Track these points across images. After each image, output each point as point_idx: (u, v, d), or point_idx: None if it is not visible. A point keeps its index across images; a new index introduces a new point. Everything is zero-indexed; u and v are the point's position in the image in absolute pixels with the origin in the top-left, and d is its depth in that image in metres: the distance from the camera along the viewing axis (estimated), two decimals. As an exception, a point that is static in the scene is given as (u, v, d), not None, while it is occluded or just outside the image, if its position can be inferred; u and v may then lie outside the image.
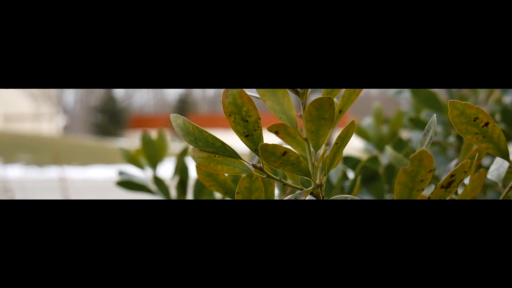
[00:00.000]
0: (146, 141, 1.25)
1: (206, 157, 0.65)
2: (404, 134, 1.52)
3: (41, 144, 13.90)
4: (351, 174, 1.14)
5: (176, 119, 0.64)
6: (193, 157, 0.65)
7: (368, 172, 1.05)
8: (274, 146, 0.60)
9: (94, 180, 9.17)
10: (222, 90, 0.62)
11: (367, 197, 1.08)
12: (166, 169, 1.37)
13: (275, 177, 0.66)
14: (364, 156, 1.35)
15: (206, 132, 0.63)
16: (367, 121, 1.56)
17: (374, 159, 1.10)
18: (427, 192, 0.87)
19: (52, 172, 9.42)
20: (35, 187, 7.52)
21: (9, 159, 11.45)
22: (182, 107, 31.49)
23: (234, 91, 0.60)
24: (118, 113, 31.59)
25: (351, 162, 1.16)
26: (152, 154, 1.26)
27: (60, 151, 12.02)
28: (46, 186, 7.78)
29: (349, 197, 0.64)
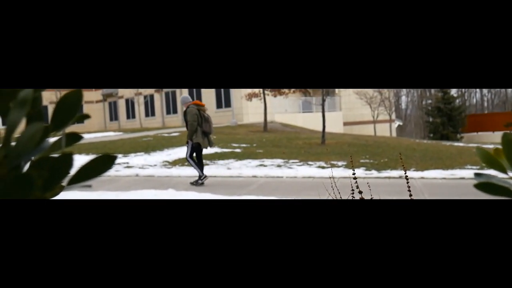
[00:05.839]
0: (508, 141, 1.19)
1: None
2: None
3: (379, 146, 14.60)
4: None
5: None
6: None
7: None
8: None
9: (431, 179, 9.14)
10: None
11: None
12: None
13: None
14: None
15: None
16: None
17: None
18: None
19: (391, 173, 9.78)
20: (376, 185, 7.94)
21: (354, 161, 12.35)
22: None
23: None
24: (452, 113, 30.58)
25: None
26: (515, 155, 1.20)
27: (396, 153, 12.40)
28: (386, 184, 8.14)
29: None
